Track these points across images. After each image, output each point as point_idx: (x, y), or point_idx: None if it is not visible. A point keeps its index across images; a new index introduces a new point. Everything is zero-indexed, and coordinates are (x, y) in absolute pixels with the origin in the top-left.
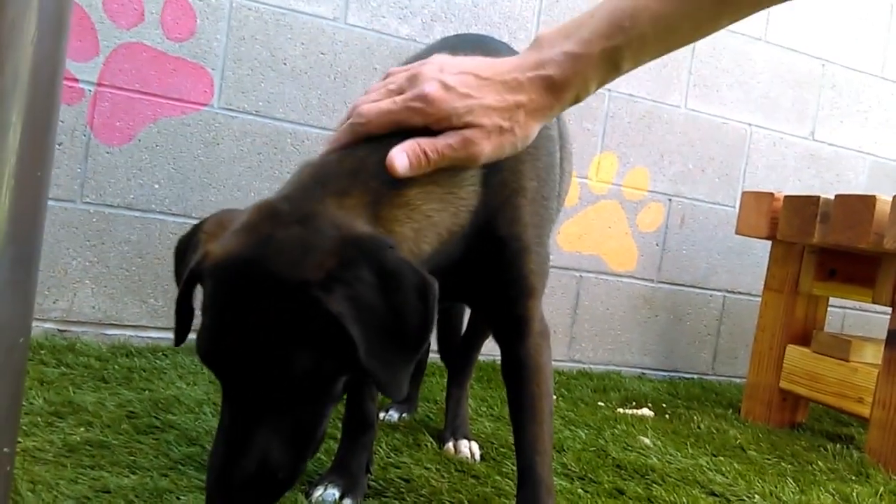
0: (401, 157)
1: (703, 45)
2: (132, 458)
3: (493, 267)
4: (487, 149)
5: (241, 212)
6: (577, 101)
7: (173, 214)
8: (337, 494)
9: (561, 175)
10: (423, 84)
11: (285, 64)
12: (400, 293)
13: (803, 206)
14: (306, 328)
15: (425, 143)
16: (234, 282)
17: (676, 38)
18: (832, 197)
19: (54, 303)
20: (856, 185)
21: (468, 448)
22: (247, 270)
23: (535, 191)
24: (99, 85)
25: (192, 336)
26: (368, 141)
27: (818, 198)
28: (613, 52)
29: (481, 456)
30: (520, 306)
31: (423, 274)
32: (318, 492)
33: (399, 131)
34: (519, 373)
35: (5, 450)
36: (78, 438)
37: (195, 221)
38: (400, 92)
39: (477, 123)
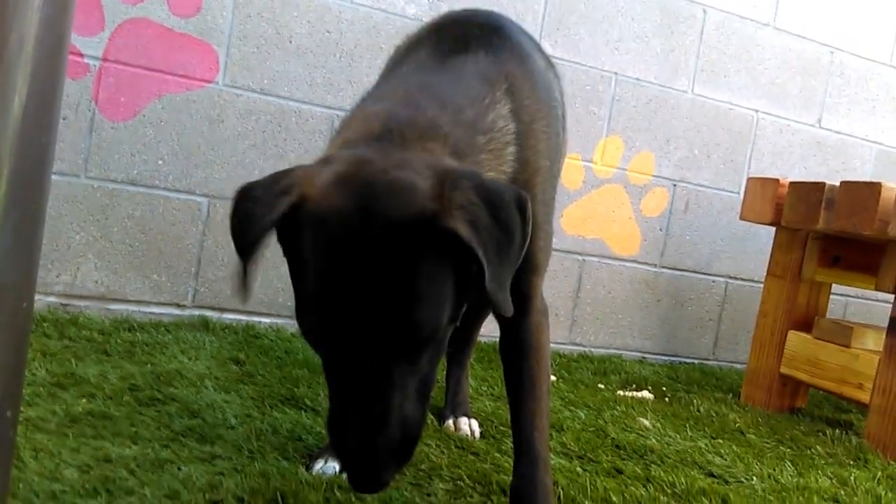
0: None
1: (711, 30)
2: (134, 429)
3: None
4: None
5: (322, 163)
6: None
7: (177, 191)
8: (337, 468)
9: (565, 147)
10: None
11: (291, 42)
12: (505, 210)
13: (808, 193)
14: (432, 268)
15: None
16: (349, 234)
17: None
18: (837, 184)
19: (57, 276)
20: (862, 174)
21: (468, 425)
22: (362, 220)
23: (548, 170)
24: (104, 60)
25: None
26: (433, 101)
27: (823, 184)
28: None
29: (481, 433)
30: (524, 282)
31: (518, 189)
32: (319, 465)
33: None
34: (519, 349)
35: (8, 414)
36: (80, 409)
37: (199, 198)
38: None
39: None
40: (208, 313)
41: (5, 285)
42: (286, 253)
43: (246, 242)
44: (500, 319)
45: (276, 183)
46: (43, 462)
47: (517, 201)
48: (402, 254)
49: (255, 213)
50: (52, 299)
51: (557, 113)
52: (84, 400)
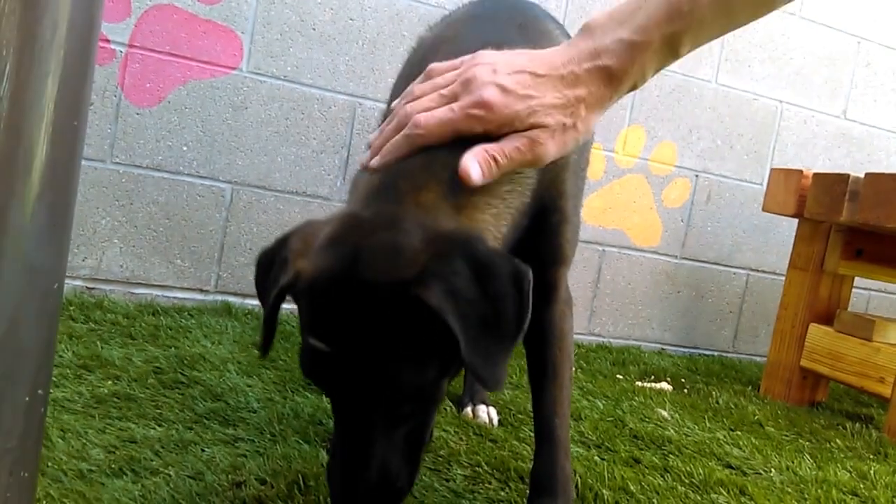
0: (474, 167)
1: None
2: (158, 411)
3: (533, 236)
4: (553, 148)
5: (323, 223)
6: (633, 88)
7: (201, 177)
8: None
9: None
10: (481, 90)
11: (314, 29)
12: (495, 283)
13: (832, 184)
14: (410, 331)
15: (493, 148)
16: (332, 297)
17: (735, 19)
18: (862, 176)
19: (83, 261)
20: (887, 166)
21: (486, 413)
22: (343, 284)
23: (576, 163)
24: (130, 46)
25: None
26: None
27: (848, 176)
28: (672, 38)
29: (499, 421)
30: (551, 273)
31: (516, 261)
32: None
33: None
34: (542, 337)
35: (39, 392)
36: (106, 391)
37: (223, 185)
38: (454, 98)
39: (541, 124)
40: (231, 298)
41: (38, 268)
42: (296, 303)
43: (264, 313)
44: None
45: (280, 250)
46: (70, 442)
47: (513, 275)
48: (382, 317)
49: (266, 286)
50: (77, 283)
51: None
52: (109, 382)
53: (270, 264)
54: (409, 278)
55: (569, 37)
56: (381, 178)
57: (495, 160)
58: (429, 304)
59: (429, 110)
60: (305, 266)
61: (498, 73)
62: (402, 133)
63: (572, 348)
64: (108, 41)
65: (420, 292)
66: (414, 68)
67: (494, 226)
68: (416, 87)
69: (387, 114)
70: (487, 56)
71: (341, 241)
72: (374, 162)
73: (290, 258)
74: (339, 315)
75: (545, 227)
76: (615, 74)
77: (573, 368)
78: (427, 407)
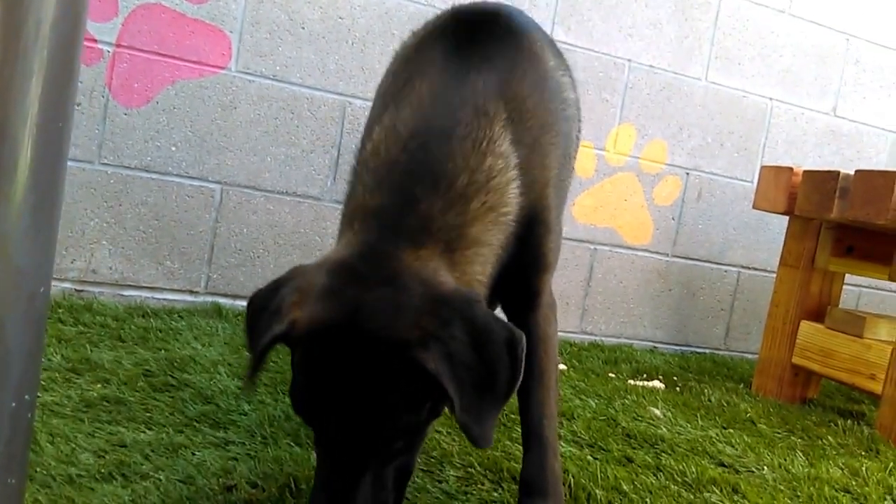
0: None
1: (726, 17)
2: (148, 414)
3: (518, 246)
4: None
5: (316, 270)
6: None
7: (190, 177)
8: None
9: (578, 144)
10: None
11: (303, 28)
12: (491, 348)
13: (823, 181)
14: (405, 385)
15: None
16: (331, 347)
17: None
18: (852, 173)
19: (72, 262)
20: (877, 163)
21: None
22: (342, 336)
23: (557, 176)
24: (117, 46)
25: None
26: (424, 184)
27: (838, 173)
28: None
29: None
30: (534, 280)
31: (511, 328)
32: None
33: None
34: (528, 341)
35: (27, 397)
36: (95, 394)
37: (212, 185)
38: None
39: None
40: (221, 300)
41: (23, 269)
42: (288, 346)
43: (253, 356)
44: (509, 313)
45: (273, 297)
46: (59, 446)
47: (507, 341)
48: (379, 371)
49: (258, 330)
50: (66, 285)
51: (568, 114)
52: (99, 385)
53: (262, 308)
54: (410, 339)
55: (553, 46)
56: (379, 224)
57: None
58: (427, 367)
59: None
60: (301, 316)
61: None
62: None
63: (556, 350)
64: (95, 41)
65: (419, 355)
66: (399, 72)
67: (482, 273)
68: None
69: (374, 104)
70: None
71: (340, 294)
72: None
73: (285, 307)
74: (337, 366)
75: (529, 238)
76: None
77: (563, 368)
78: (417, 441)
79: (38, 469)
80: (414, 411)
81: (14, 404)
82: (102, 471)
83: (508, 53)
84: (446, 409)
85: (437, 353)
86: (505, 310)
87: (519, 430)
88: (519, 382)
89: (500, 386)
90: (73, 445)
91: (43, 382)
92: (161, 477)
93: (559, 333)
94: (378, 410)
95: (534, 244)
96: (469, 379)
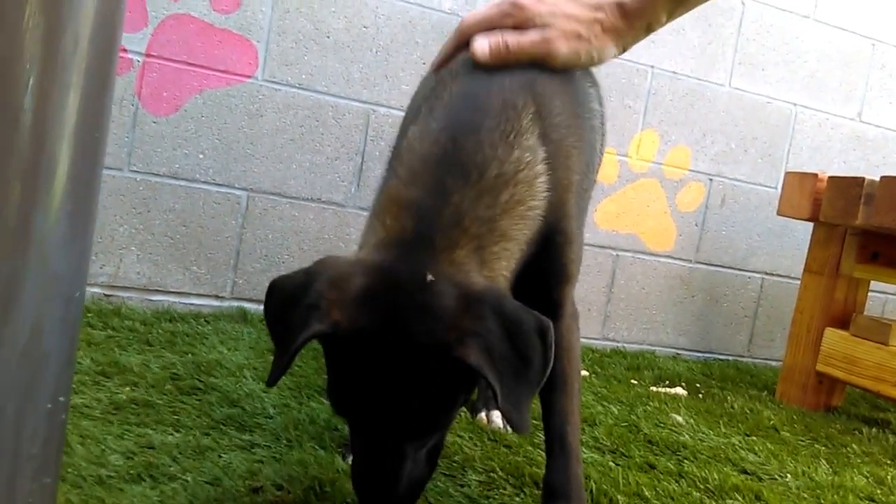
0: (482, 45)
1: (749, 22)
2: (176, 417)
3: (539, 257)
4: (564, 49)
5: (350, 267)
6: (649, 30)
7: (217, 184)
8: None
9: (601, 157)
10: None
11: (328, 37)
12: (523, 338)
13: (847, 187)
14: (444, 383)
15: (508, 35)
16: (373, 351)
17: None
18: (878, 178)
19: (101, 268)
20: None
21: (500, 419)
22: (384, 343)
23: (579, 184)
24: (147, 55)
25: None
26: (455, 174)
27: (863, 179)
28: None
29: None
30: (556, 292)
31: (539, 317)
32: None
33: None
34: None
35: (61, 399)
36: (124, 397)
37: (238, 192)
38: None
39: (557, 26)
40: (247, 305)
41: (60, 274)
42: (322, 344)
43: (282, 350)
44: None
45: (306, 290)
46: (89, 448)
47: (538, 329)
48: (421, 373)
49: (289, 323)
50: (95, 290)
51: (593, 124)
52: (127, 388)
53: (291, 301)
54: (450, 340)
55: None
56: (414, 223)
57: (507, 45)
58: (468, 363)
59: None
60: (343, 318)
61: None
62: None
63: (579, 360)
64: (125, 51)
65: (460, 353)
66: (431, 77)
67: (507, 269)
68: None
69: (409, 108)
70: None
71: (379, 299)
72: (435, 63)
73: (323, 305)
74: (381, 367)
75: (550, 249)
76: (629, 10)
77: (584, 374)
78: (447, 428)
79: (69, 470)
80: (449, 404)
81: (50, 405)
82: (131, 472)
83: None
84: (464, 413)
85: (476, 349)
86: None
87: (540, 435)
88: (550, 367)
89: (534, 372)
90: (103, 447)
91: (73, 385)
92: (188, 478)
93: (581, 340)
94: (422, 408)
95: (555, 254)
96: (507, 369)
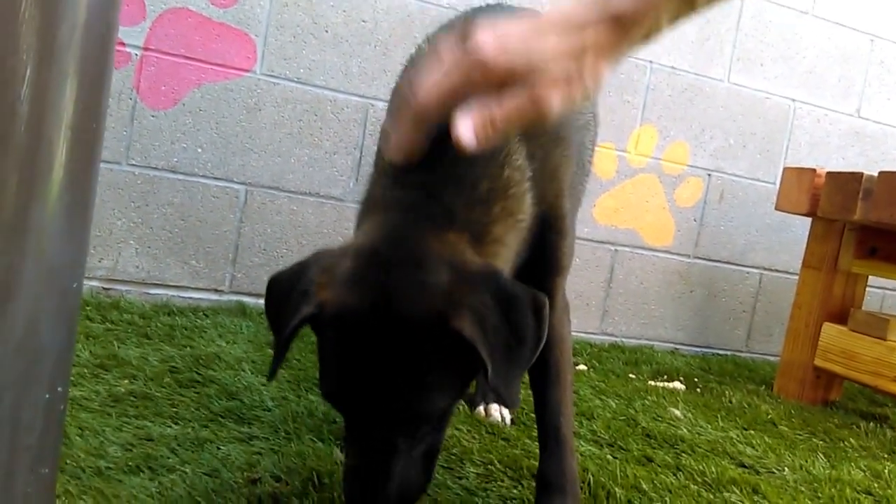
0: (466, 131)
1: (748, 18)
2: (174, 409)
3: (532, 249)
4: (556, 102)
5: (340, 255)
6: (647, 39)
7: (215, 178)
8: None
9: (594, 149)
10: (475, 37)
11: (327, 31)
12: (517, 312)
13: (846, 183)
14: (438, 362)
15: (490, 108)
16: (362, 330)
17: None
18: (876, 174)
19: (99, 261)
20: None
21: (499, 412)
22: (374, 318)
23: (569, 184)
24: (145, 49)
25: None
26: (449, 183)
27: (861, 174)
28: None
29: (511, 420)
30: (549, 283)
31: (534, 291)
32: None
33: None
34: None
35: (59, 389)
36: (122, 390)
37: (237, 186)
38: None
39: (542, 75)
40: (245, 299)
41: (58, 266)
42: (313, 330)
43: (278, 339)
44: None
45: (298, 279)
46: (88, 440)
47: (533, 305)
48: (412, 349)
49: (283, 312)
50: (94, 283)
51: (581, 122)
52: (126, 381)
53: (286, 292)
54: (443, 310)
55: None
56: (404, 216)
57: (492, 123)
58: (463, 334)
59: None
60: (331, 298)
61: (496, 24)
62: (404, 113)
63: (571, 351)
64: (123, 44)
65: (455, 323)
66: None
67: (504, 269)
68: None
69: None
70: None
71: (368, 277)
72: (394, 154)
73: (313, 289)
74: (370, 348)
75: (544, 243)
76: (626, 20)
77: (583, 368)
78: (444, 424)
79: (68, 461)
80: (445, 390)
81: (48, 396)
82: (130, 464)
83: None
84: (463, 406)
85: (470, 320)
86: None
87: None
88: (543, 343)
89: (527, 348)
90: (102, 439)
91: (72, 378)
92: (187, 470)
93: (579, 334)
94: (412, 390)
95: (548, 248)
96: (500, 343)
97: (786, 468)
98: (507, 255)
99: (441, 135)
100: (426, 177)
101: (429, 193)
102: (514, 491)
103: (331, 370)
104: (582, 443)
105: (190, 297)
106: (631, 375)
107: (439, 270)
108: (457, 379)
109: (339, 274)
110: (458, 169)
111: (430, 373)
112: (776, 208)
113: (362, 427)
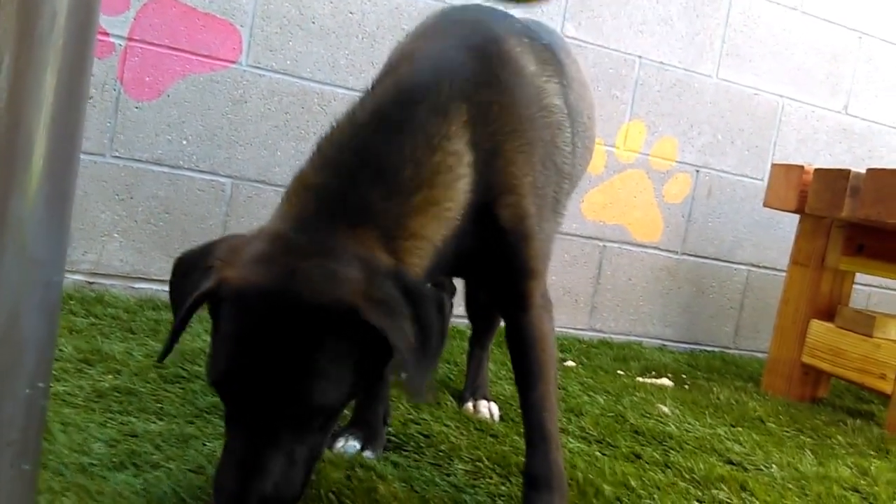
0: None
1: (737, 14)
2: (159, 405)
3: (495, 254)
4: None
5: (250, 238)
6: None
7: (201, 171)
8: (358, 446)
9: (574, 150)
10: None
11: (314, 23)
12: (424, 308)
13: (834, 180)
14: (337, 351)
15: None
16: (262, 311)
17: None
18: (863, 171)
19: (83, 255)
20: (889, 161)
21: (487, 408)
22: (275, 299)
23: (531, 184)
24: (129, 40)
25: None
26: (368, 169)
27: (849, 171)
28: None
29: (500, 416)
30: (521, 288)
31: (437, 291)
32: (340, 444)
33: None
34: (523, 340)
35: (40, 384)
36: (106, 385)
37: (223, 179)
38: None
39: None
40: None
41: (38, 258)
42: (211, 314)
43: (176, 316)
44: (505, 315)
45: (204, 258)
46: (71, 435)
47: (437, 302)
48: (313, 337)
49: (184, 289)
50: (78, 277)
51: (551, 121)
52: (110, 376)
53: (190, 270)
54: (354, 302)
55: (541, 51)
56: (317, 203)
57: None
58: (372, 323)
59: None
60: (232, 275)
61: None
62: None
63: (554, 347)
64: (107, 34)
65: (367, 315)
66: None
67: (419, 266)
68: None
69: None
70: None
71: (274, 260)
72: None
73: (218, 265)
74: (268, 329)
75: (506, 247)
76: None
77: (571, 364)
78: (331, 423)
79: (51, 457)
80: (340, 383)
81: (28, 391)
82: (114, 460)
83: (480, 59)
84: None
85: (380, 311)
86: (500, 313)
87: None
88: (446, 341)
89: (432, 343)
90: (86, 435)
91: (55, 373)
92: (172, 466)
93: (568, 330)
94: (307, 378)
95: (512, 253)
96: (408, 335)
97: (773, 465)
98: (426, 248)
99: (377, 118)
100: (350, 162)
101: (348, 182)
102: (503, 487)
103: (222, 353)
104: (570, 439)
105: None
106: (619, 372)
107: (351, 264)
108: (353, 375)
109: (247, 254)
110: (383, 154)
111: (327, 363)
112: (764, 205)
113: (247, 416)
